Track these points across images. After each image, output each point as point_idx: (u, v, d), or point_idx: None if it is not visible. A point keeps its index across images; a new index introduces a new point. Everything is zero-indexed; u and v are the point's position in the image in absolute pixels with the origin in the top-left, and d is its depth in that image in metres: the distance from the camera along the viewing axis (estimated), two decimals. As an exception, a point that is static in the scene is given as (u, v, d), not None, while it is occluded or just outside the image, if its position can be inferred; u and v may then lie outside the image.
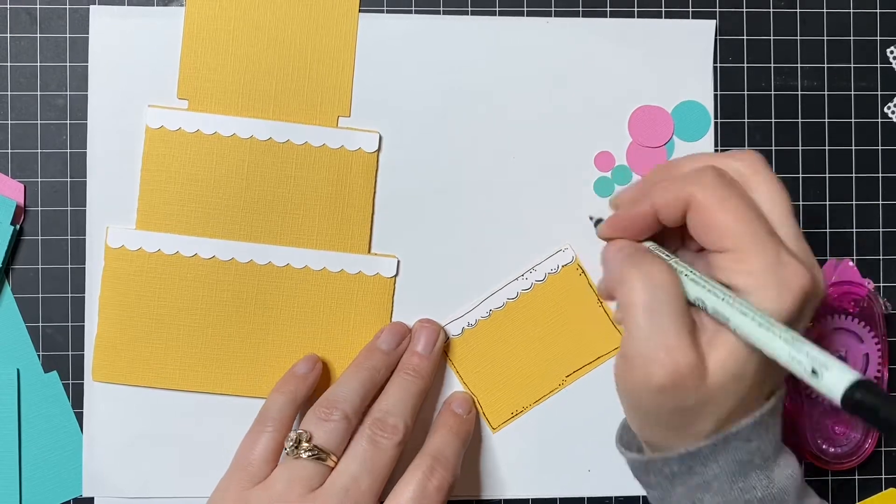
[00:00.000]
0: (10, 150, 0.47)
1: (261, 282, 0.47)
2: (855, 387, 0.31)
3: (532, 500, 0.48)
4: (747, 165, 0.38)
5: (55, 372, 0.47)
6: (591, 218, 0.47)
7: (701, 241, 0.37)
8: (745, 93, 0.49)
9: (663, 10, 0.48)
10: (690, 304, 0.37)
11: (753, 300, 0.35)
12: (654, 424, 0.38)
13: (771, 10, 0.49)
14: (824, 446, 0.48)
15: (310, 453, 0.41)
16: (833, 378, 0.32)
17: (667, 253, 0.39)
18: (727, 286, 0.36)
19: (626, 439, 0.42)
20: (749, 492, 0.37)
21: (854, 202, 0.49)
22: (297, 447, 0.41)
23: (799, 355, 0.33)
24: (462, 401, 0.47)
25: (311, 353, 0.47)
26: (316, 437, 0.42)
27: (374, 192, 0.47)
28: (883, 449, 0.49)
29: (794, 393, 0.47)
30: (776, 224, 0.37)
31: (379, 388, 0.45)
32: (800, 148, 0.49)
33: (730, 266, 0.36)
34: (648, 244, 0.40)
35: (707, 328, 0.36)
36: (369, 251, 0.48)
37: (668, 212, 0.38)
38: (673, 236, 0.41)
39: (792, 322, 0.35)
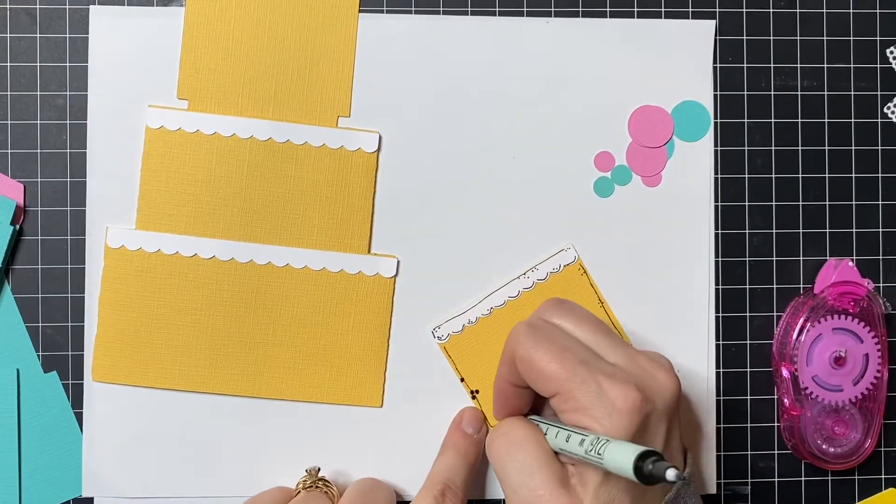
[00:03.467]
0: (10, 150, 0.47)
1: (260, 282, 0.47)
2: (641, 457, 0.33)
3: (532, 500, 0.48)
4: (547, 308, 0.42)
5: (55, 372, 0.47)
6: None
7: (538, 391, 0.40)
8: (745, 93, 0.49)
9: (663, 10, 0.48)
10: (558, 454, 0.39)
11: (596, 431, 0.37)
12: None
13: (771, 10, 0.49)
14: (824, 446, 0.48)
15: None
16: (615, 453, 0.34)
17: (542, 419, 0.42)
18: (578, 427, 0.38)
19: None
20: None
21: (854, 202, 0.49)
22: None
23: (582, 447, 0.36)
24: (472, 419, 0.47)
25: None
26: None
27: (374, 192, 0.47)
28: (883, 449, 0.49)
29: (794, 393, 0.47)
30: (591, 345, 0.40)
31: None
32: (799, 148, 0.49)
33: (563, 407, 0.38)
34: (531, 417, 0.43)
35: (576, 468, 0.38)
36: (369, 251, 0.48)
37: (513, 377, 0.41)
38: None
39: (643, 436, 0.37)
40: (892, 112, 0.49)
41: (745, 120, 0.49)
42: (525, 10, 0.48)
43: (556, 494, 0.37)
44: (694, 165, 0.48)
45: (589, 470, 0.37)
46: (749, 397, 0.49)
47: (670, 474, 0.32)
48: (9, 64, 0.47)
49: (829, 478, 0.49)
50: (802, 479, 0.49)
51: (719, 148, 0.49)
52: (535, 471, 0.38)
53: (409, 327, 0.48)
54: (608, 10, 0.48)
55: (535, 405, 0.43)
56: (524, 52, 0.48)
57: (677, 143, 0.48)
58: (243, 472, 0.47)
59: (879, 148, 0.49)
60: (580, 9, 0.48)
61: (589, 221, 0.48)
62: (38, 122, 0.47)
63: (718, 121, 0.49)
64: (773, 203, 0.49)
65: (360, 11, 0.47)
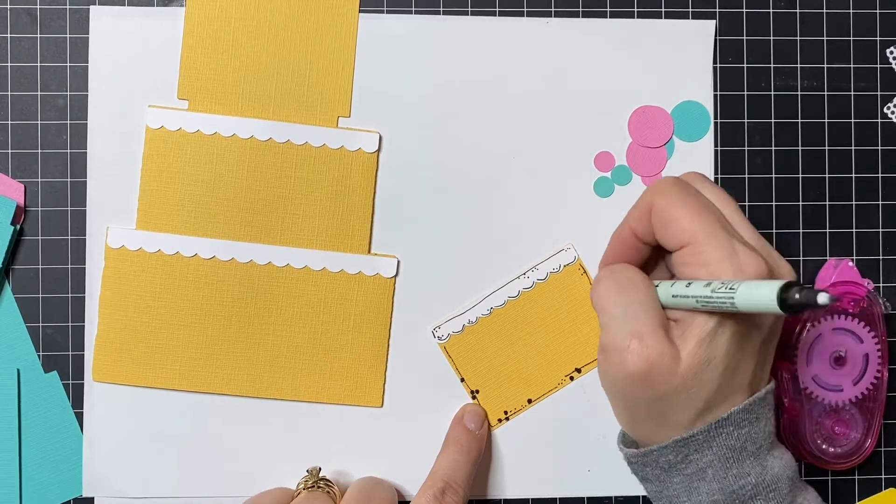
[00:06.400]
0: (10, 150, 0.47)
1: (261, 282, 0.47)
2: (786, 287, 0.32)
3: (532, 500, 0.48)
4: (690, 176, 0.42)
5: (55, 372, 0.47)
6: None
7: (664, 243, 0.40)
8: (745, 93, 0.49)
9: (663, 10, 0.49)
10: (664, 309, 0.40)
11: None
12: (635, 416, 0.40)
13: (771, 10, 0.49)
14: (824, 446, 0.48)
15: None
16: (753, 287, 0.34)
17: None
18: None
19: (628, 440, 0.44)
20: (743, 477, 0.38)
21: (854, 202, 0.49)
22: None
23: (707, 287, 0.36)
24: (474, 414, 0.47)
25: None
26: None
27: (374, 192, 0.47)
28: (883, 449, 0.49)
29: (794, 393, 0.47)
30: (728, 219, 0.40)
31: None
32: (799, 148, 0.49)
33: (688, 260, 0.39)
34: None
35: (681, 322, 0.38)
36: (369, 251, 0.48)
37: (641, 226, 0.41)
38: (660, 270, 0.44)
39: None
40: (892, 112, 0.50)
41: (745, 120, 0.49)
42: (525, 10, 0.48)
43: (657, 336, 0.37)
44: (694, 165, 0.48)
45: (693, 328, 0.38)
46: (749, 397, 0.49)
47: (822, 298, 0.30)
48: (9, 64, 0.47)
49: (829, 478, 0.49)
50: (802, 479, 0.49)
51: (719, 148, 0.49)
52: (641, 310, 0.38)
53: (409, 327, 0.48)
54: (608, 10, 0.48)
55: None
56: (524, 53, 0.48)
57: (677, 143, 0.48)
58: (243, 472, 0.47)
59: (879, 148, 0.49)
60: (580, 9, 0.48)
61: (589, 221, 0.48)
62: (39, 122, 0.47)
63: (718, 121, 0.49)
64: (773, 203, 0.49)
65: (360, 11, 0.47)
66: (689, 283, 0.38)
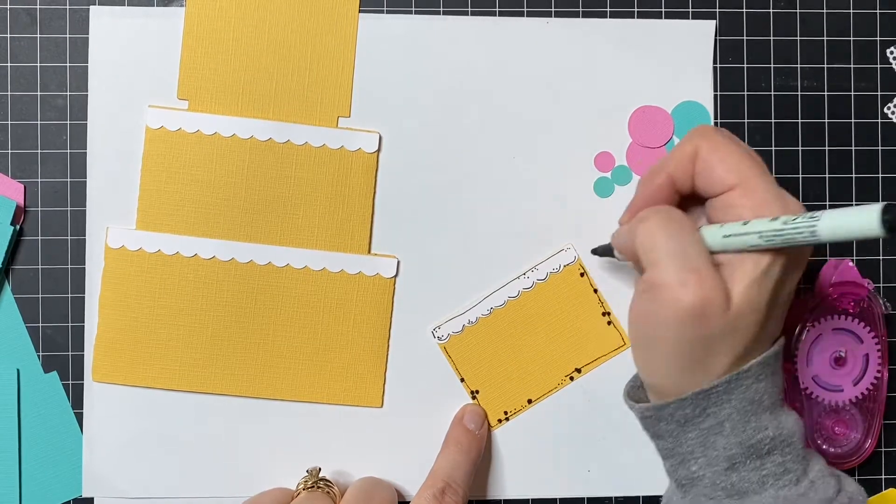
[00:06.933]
0: (10, 150, 0.47)
1: (260, 282, 0.47)
2: (885, 210, 0.32)
3: (532, 500, 0.48)
4: (724, 132, 0.42)
5: (55, 372, 0.47)
6: (594, 252, 0.47)
7: (709, 188, 0.40)
8: (745, 93, 0.49)
9: (663, 10, 0.49)
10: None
11: None
12: (671, 362, 0.38)
13: (771, 10, 0.49)
14: (824, 446, 0.48)
15: None
16: (841, 214, 0.33)
17: None
18: None
19: (636, 396, 0.43)
20: (761, 431, 0.38)
21: (854, 202, 0.49)
22: None
23: (775, 222, 0.36)
24: (474, 415, 0.47)
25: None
26: None
27: (374, 192, 0.47)
28: (883, 449, 0.49)
29: (794, 393, 0.47)
30: None
31: None
32: (800, 148, 0.49)
33: (738, 201, 0.38)
34: None
35: (726, 266, 0.38)
36: (369, 251, 0.48)
37: (681, 171, 0.40)
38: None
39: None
40: (892, 112, 0.50)
41: (746, 120, 0.49)
42: (525, 10, 0.48)
43: (713, 273, 0.37)
44: (694, 165, 0.48)
45: (744, 269, 0.37)
46: (749, 397, 0.49)
47: None
48: (9, 64, 0.47)
49: (829, 478, 0.49)
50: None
51: (719, 148, 0.49)
52: (693, 248, 0.38)
53: (409, 327, 0.48)
54: (608, 10, 0.48)
55: None
56: (524, 53, 0.48)
57: (677, 143, 0.48)
58: (244, 473, 0.47)
59: (879, 148, 0.49)
60: (580, 9, 0.48)
61: (589, 221, 0.48)
62: (38, 122, 0.47)
63: (718, 121, 0.49)
64: (773, 203, 0.49)
65: (360, 11, 0.47)
66: (746, 222, 0.37)
